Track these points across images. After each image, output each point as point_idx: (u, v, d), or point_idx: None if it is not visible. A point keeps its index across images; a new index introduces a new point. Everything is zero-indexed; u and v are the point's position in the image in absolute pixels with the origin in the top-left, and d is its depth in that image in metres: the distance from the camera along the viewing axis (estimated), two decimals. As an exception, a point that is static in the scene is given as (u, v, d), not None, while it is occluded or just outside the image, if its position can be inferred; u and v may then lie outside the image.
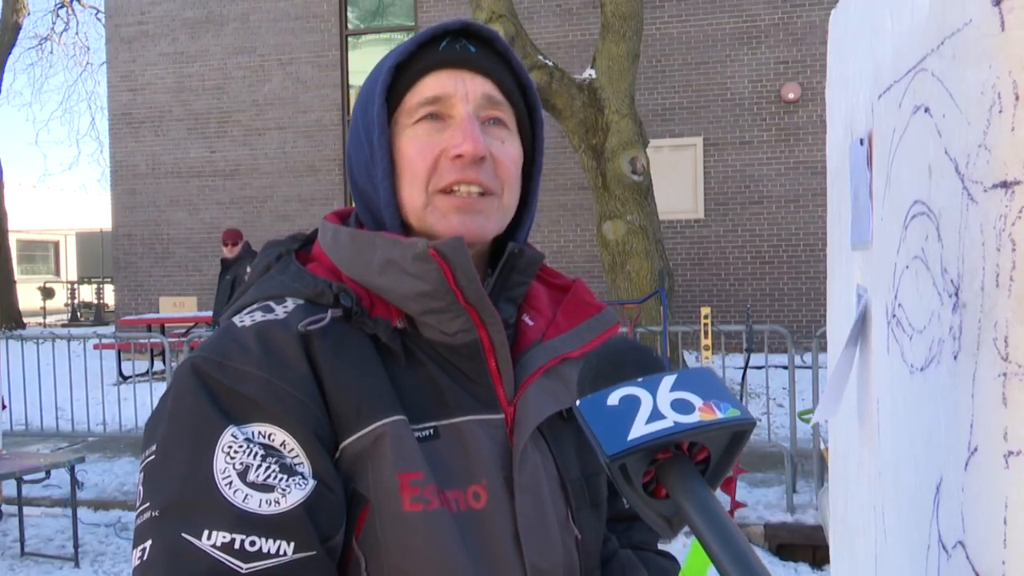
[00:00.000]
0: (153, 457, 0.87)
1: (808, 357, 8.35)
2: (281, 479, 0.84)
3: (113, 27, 15.27)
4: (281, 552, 0.82)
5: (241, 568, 0.80)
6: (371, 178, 1.00)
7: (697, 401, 0.68)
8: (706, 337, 6.67)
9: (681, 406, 0.67)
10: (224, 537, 0.81)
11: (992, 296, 0.78)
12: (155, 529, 0.83)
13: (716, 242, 12.81)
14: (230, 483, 0.83)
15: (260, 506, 0.83)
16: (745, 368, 6.40)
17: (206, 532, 0.81)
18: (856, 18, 1.46)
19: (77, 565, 5.53)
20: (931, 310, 0.96)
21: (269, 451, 0.86)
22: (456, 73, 0.98)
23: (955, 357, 0.87)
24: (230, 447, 0.85)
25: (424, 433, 0.93)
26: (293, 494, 0.84)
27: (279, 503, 0.83)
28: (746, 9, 12.70)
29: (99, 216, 26.64)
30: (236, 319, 0.96)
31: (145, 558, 0.82)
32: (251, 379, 0.88)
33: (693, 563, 3.18)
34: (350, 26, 14.47)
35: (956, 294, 0.87)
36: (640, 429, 0.66)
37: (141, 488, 0.87)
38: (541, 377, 1.02)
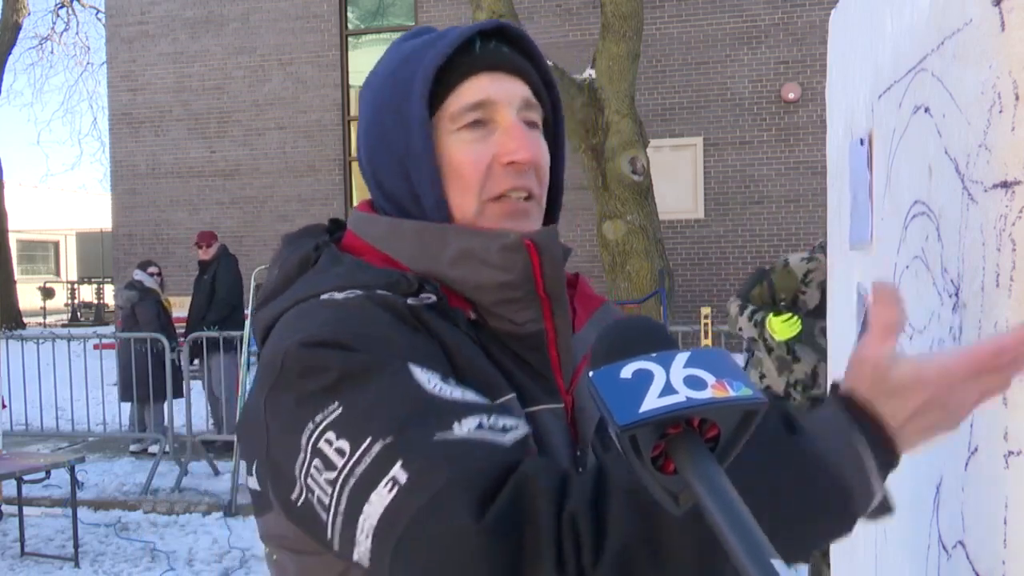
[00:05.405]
0: (339, 410, 0.81)
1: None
2: (468, 391, 0.84)
3: (113, 27, 15.27)
4: (519, 426, 0.82)
5: (504, 440, 0.79)
6: (405, 179, 0.98)
7: (710, 378, 0.67)
8: (706, 337, 6.67)
9: (694, 382, 0.67)
10: (472, 422, 0.79)
11: (992, 296, 0.78)
12: (398, 449, 0.77)
13: (716, 242, 12.81)
14: (439, 387, 0.82)
15: (476, 396, 0.83)
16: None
17: (455, 424, 0.79)
18: (856, 18, 1.46)
19: (77, 565, 5.51)
20: (931, 310, 0.96)
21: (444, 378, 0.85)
22: (495, 76, 0.97)
23: (955, 357, 0.87)
24: (418, 368, 0.83)
25: None
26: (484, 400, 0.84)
27: (482, 399, 0.83)
28: (746, 9, 12.69)
29: (99, 216, 26.60)
30: (324, 296, 0.91)
31: (405, 480, 0.75)
32: (394, 342, 0.85)
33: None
34: (350, 26, 14.47)
35: (956, 294, 0.87)
36: (652, 402, 0.65)
37: (341, 442, 0.79)
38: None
